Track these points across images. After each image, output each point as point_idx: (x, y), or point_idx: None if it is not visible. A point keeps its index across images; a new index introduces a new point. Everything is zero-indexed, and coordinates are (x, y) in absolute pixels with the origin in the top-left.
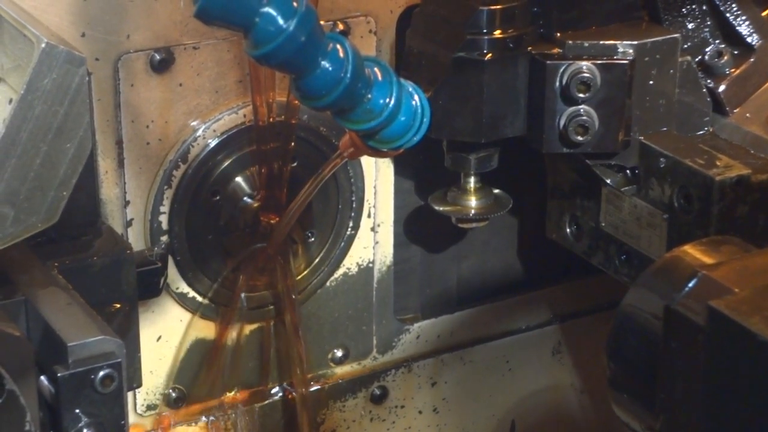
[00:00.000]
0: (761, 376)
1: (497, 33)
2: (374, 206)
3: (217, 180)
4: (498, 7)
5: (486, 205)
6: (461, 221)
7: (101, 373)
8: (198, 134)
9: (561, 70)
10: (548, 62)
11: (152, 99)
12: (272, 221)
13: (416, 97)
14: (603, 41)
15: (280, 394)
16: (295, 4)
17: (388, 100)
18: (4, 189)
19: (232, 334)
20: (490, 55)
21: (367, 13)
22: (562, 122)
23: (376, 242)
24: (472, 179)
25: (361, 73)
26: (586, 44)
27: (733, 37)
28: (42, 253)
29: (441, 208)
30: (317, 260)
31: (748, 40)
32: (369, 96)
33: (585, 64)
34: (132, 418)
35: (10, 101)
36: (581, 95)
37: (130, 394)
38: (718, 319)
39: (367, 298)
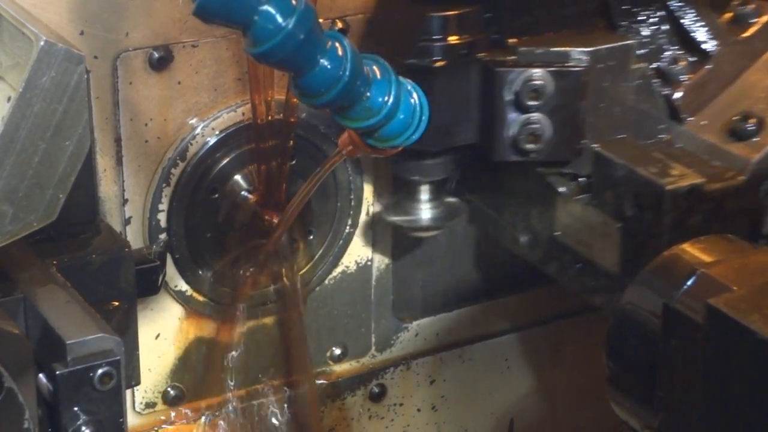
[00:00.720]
0: (760, 373)
1: (449, 39)
2: (372, 204)
3: (215, 178)
4: (450, 13)
5: (439, 215)
6: (413, 231)
7: (100, 371)
8: (197, 132)
9: (513, 77)
10: (499, 69)
11: (151, 97)
12: (272, 219)
13: (415, 95)
14: (556, 48)
15: (280, 391)
16: (294, 2)
17: (386, 98)
18: (3, 187)
19: (232, 332)
20: (441, 61)
21: (365, 11)
22: (513, 130)
23: (375, 240)
24: (424, 187)
25: (359, 71)
26: (538, 51)
27: (689, 44)
28: (41, 250)
29: (393, 219)
30: (316, 258)
31: (705, 46)
32: (368, 94)
33: (537, 72)
34: (130, 416)
35: (9, 99)
36: (533, 103)
37: (128, 392)
38: (717, 317)
39: (366, 296)
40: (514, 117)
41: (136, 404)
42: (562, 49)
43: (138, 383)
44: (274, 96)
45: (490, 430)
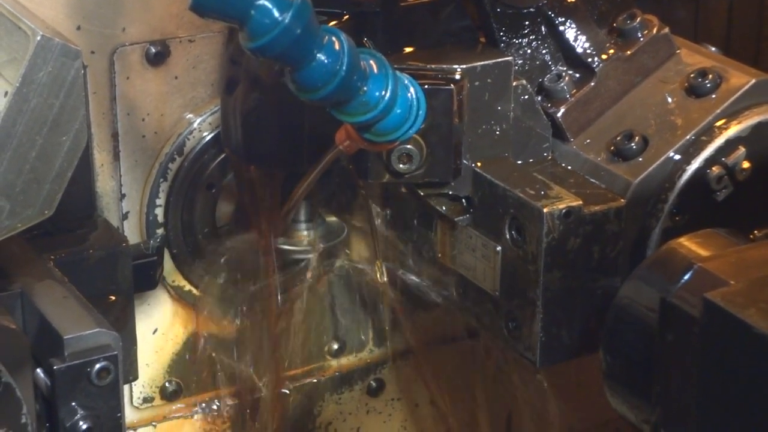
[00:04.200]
0: (756, 367)
1: None
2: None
3: (212, 173)
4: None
5: (317, 235)
6: (292, 253)
7: (97, 366)
8: (194, 127)
9: None
10: None
11: (148, 92)
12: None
13: (412, 89)
14: (429, 64)
15: (278, 386)
16: None
17: (383, 92)
18: (0, 182)
19: (229, 327)
20: None
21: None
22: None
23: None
24: (301, 207)
25: (356, 65)
26: (411, 68)
27: (573, 60)
28: (38, 245)
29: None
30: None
31: (589, 61)
32: (365, 88)
33: None
34: (128, 411)
35: (6, 94)
36: None
37: (126, 387)
38: (713, 311)
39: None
40: None
41: (134, 399)
42: (436, 66)
43: (135, 378)
44: None
45: (488, 425)
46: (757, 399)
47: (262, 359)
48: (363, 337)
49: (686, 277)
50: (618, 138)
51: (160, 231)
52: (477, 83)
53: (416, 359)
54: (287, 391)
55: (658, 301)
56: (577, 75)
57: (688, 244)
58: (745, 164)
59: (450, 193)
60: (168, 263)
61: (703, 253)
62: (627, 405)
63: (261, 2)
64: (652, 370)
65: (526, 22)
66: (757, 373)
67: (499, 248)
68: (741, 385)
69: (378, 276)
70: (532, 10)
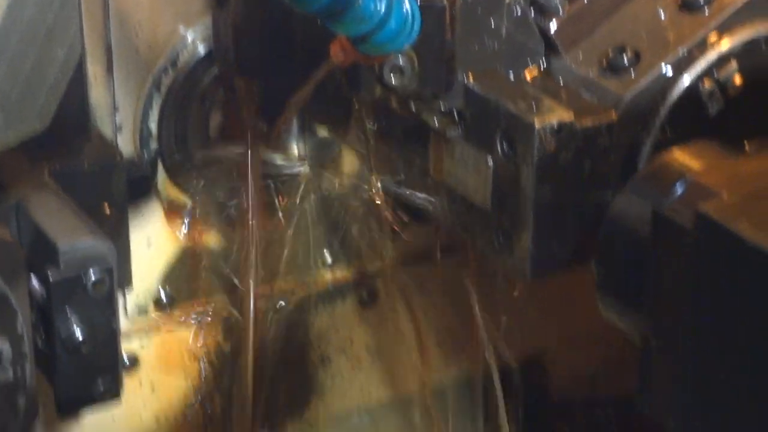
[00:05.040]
0: (748, 280)
1: None
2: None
3: (206, 86)
4: None
5: (309, 149)
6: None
7: (92, 275)
8: (188, 40)
9: None
10: None
11: (141, 4)
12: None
13: (407, 3)
14: None
15: (269, 297)
16: None
17: (379, 5)
18: None
19: (221, 237)
20: None
21: None
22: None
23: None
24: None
25: None
26: None
27: None
28: (33, 157)
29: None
30: None
31: None
32: (360, 1)
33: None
34: (122, 321)
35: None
36: None
37: (120, 298)
38: (705, 223)
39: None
40: None
41: (129, 310)
42: None
43: (129, 284)
44: None
45: (481, 336)
46: (747, 310)
47: (255, 271)
48: (355, 250)
49: (679, 190)
50: (610, 52)
51: (153, 144)
52: None
53: (408, 271)
54: (281, 302)
55: (650, 214)
56: None
57: (680, 156)
58: (737, 79)
59: (442, 107)
60: (161, 175)
61: (695, 165)
62: (619, 316)
63: None
64: (644, 282)
65: None
66: (748, 284)
67: (490, 162)
68: (732, 296)
69: (371, 189)
70: None
